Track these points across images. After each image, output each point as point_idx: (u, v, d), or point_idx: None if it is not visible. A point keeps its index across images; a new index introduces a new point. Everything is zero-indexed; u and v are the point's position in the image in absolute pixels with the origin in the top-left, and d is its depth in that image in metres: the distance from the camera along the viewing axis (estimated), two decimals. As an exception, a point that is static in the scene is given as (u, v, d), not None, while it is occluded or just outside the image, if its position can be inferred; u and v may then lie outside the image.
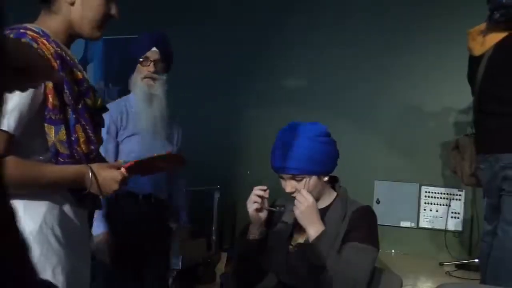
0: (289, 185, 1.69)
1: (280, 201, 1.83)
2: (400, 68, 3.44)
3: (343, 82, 3.54)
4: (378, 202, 3.40)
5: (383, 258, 3.05)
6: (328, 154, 1.71)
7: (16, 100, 1.24)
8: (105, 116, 2.43)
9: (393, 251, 3.37)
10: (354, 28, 3.54)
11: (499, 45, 2.18)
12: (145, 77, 2.40)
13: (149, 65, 2.40)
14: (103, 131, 2.40)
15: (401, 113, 3.44)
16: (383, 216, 3.39)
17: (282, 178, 1.71)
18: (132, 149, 2.35)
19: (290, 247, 1.74)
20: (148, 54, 2.40)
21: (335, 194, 1.74)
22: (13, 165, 1.22)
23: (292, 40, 3.66)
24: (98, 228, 2.24)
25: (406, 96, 3.44)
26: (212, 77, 3.76)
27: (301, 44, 3.64)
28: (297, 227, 1.74)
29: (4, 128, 1.23)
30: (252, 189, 1.73)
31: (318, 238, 1.63)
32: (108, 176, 1.39)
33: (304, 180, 1.68)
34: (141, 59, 2.39)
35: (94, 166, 1.38)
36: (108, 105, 2.48)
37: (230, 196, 3.52)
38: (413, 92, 3.43)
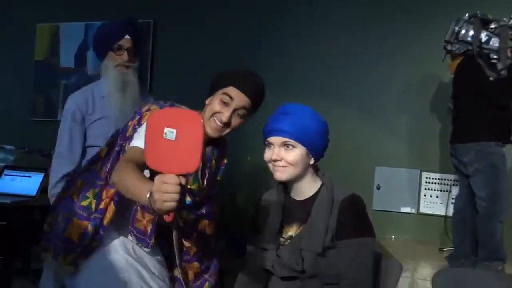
0: (276, 153, 1.67)
1: (267, 196, 1.82)
2: (400, 53, 3.42)
3: (342, 67, 3.52)
4: (378, 187, 3.40)
5: (383, 244, 3.05)
6: (322, 136, 1.70)
7: None
8: (70, 102, 2.48)
9: (393, 236, 3.38)
10: (352, 14, 3.51)
11: (457, 68, 2.91)
12: (118, 65, 2.40)
13: (122, 54, 2.39)
14: (68, 118, 2.45)
15: (402, 99, 3.42)
16: (383, 202, 3.39)
17: (270, 145, 1.69)
18: (100, 133, 2.35)
19: (282, 239, 1.73)
20: (122, 42, 2.39)
21: (320, 182, 1.73)
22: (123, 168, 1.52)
23: (290, 28, 3.64)
24: None
25: (407, 82, 3.42)
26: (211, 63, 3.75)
27: (299, 31, 3.62)
28: (287, 219, 1.73)
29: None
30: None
31: (309, 229, 1.63)
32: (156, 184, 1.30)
33: (294, 150, 1.66)
34: (114, 46, 2.39)
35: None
36: (73, 94, 2.52)
37: (229, 181, 3.52)
38: (414, 77, 3.41)
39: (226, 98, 1.71)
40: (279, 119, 1.67)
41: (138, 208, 1.68)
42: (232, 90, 1.71)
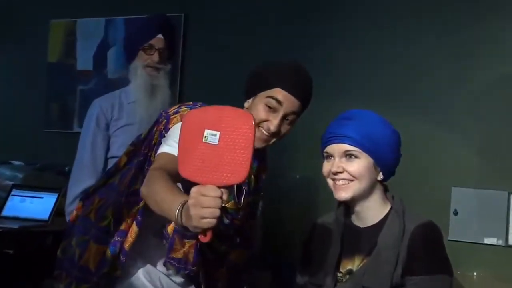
0: (336, 164, 1.65)
1: (324, 220, 1.82)
2: (479, 53, 3.35)
3: (409, 70, 3.48)
4: (456, 213, 3.33)
5: (462, 282, 2.98)
6: (393, 147, 1.68)
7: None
8: (94, 106, 2.56)
9: (475, 273, 3.30)
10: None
11: None
12: (147, 66, 2.45)
13: (153, 54, 2.45)
14: (91, 123, 2.53)
15: (483, 106, 3.36)
16: (462, 231, 3.32)
17: (330, 157, 1.68)
18: (124, 141, 2.40)
19: (339, 274, 1.72)
20: (153, 41, 2.45)
21: (388, 206, 1.71)
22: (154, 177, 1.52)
23: (348, 31, 3.63)
24: None
25: (491, 85, 3.35)
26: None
27: (356, 29, 3.61)
28: (347, 250, 1.72)
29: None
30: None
31: (374, 262, 1.61)
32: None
33: (357, 161, 1.64)
34: (144, 46, 2.44)
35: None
36: (99, 98, 2.61)
37: (275, 204, 3.52)
38: (500, 80, 3.34)
39: (273, 103, 1.71)
40: (340, 125, 1.67)
41: (176, 236, 1.70)
42: (279, 93, 1.71)
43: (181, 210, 1.32)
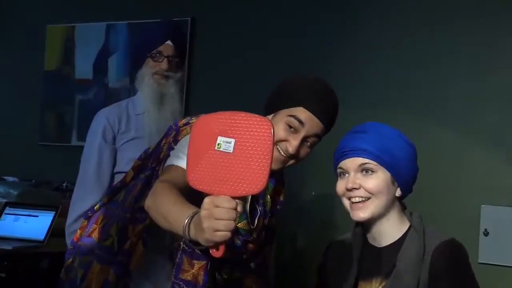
0: (352, 180, 1.65)
1: (339, 241, 1.82)
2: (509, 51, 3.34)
3: (437, 80, 3.48)
4: (486, 233, 3.32)
5: (494, 309, 2.97)
6: (411, 161, 1.69)
7: None
8: (100, 117, 2.59)
9: (508, 299, 3.28)
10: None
11: None
12: (156, 74, 2.48)
13: (161, 61, 2.48)
14: (97, 136, 2.55)
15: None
16: (493, 253, 3.30)
17: (344, 173, 1.69)
18: (133, 156, 2.41)
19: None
20: (161, 48, 2.48)
21: (407, 224, 1.71)
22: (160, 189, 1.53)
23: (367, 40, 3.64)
24: None
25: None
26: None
27: (376, 35, 3.62)
28: (364, 272, 1.71)
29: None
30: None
31: (394, 286, 1.60)
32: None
33: (375, 175, 1.64)
34: (152, 53, 2.48)
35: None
36: (104, 109, 2.63)
37: (290, 223, 3.52)
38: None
39: (294, 123, 1.71)
40: (354, 138, 1.68)
41: (184, 256, 1.71)
42: (302, 113, 1.70)
43: (190, 222, 1.33)
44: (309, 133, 1.71)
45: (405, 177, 1.68)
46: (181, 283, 1.74)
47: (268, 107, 1.79)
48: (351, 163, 1.67)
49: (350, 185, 1.65)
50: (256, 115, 1.34)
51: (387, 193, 1.65)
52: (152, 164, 1.81)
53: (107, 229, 1.81)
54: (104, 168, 2.58)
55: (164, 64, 2.51)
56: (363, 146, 1.64)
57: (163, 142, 1.82)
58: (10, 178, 4.00)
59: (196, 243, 1.33)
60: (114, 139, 2.60)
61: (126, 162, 2.50)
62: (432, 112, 3.44)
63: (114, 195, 1.91)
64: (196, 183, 1.33)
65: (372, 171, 1.64)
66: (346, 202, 1.69)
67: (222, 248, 1.30)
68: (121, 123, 2.60)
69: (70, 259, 1.89)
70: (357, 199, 1.65)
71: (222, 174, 1.29)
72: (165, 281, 1.84)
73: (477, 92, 3.38)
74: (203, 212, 1.26)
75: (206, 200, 1.28)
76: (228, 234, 1.26)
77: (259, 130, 1.29)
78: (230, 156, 1.29)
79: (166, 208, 1.45)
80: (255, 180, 1.28)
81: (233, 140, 1.30)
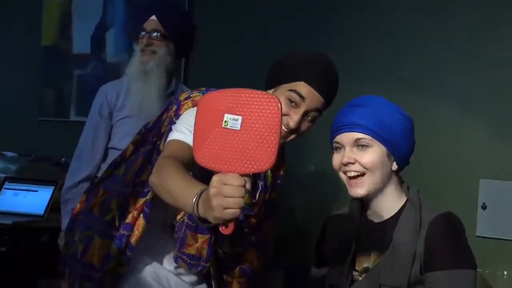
0: (347, 154, 1.66)
1: (336, 216, 1.83)
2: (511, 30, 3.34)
3: (436, 55, 3.47)
4: (484, 207, 3.33)
5: (491, 282, 2.98)
6: (407, 134, 1.69)
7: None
8: (99, 94, 2.62)
9: (505, 272, 3.30)
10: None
11: None
12: (142, 50, 2.49)
13: (143, 38, 2.48)
14: (94, 112, 2.59)
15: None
16: (491, 226, 3.32)
17: (339, 147, 1.70)
18: (127, 132, 2.46)
19: (355, 273, 1.73)
20: (146, 24, 2.47)
21: (404, 198, 1.71)
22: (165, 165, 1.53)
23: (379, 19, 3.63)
24: None
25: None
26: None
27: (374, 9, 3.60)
28: (362, 246, 1.73)
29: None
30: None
31: (391, 259, 1.62)
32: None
33: (370, 150, 1.65)
34: (139, 29, 2.48)
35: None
36: (106, 85, 2.66)
37: (287, 197, 3.53)
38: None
39: (295, 97, 1.71)
40: (350, 112, 1.68)
41: (188, 231, 1.71)
42: (303, 87, 1.71)
43: (198, 200, 1.33)
44: (309, 107, 1.72)
45: (401, 151, 1.68)
46: (184, 256, 1.75)
47: (269, 82, 1.79)
48: (346, 138, 1.67)
49: (345, 160, 1.65)
50: (263, 92, 1.34)
51: (383, 168, 1.65)
52: (153, 138, 1.81)
53: (107, 203, 1.82)
54: (99, 143, 2.64)
55: (145, 40, 2.52)
56: (359, 120, 1.64)
57: (164, 116, 1.82)
58: (9, 153, 4.01)
59: (205, 220, 1.33)
60: (110, 115, 2.63)
61: (120, 138, 2.55)
62: (430, 86, 3.44)
63: (114, 169, 1.91)
64: (204, 161, 1.33)
65: (368, 146, 1.64)
66: (342, 176, 1.70)
67: (231, 226, 1.31)
68: (118, 100, 2.63)
69: (70, 233, 1.90)
70: (352, 174, 1.66)
71: (229, 152, 1.30)
72: (167, 255, 1.85)
73: (475, 67, 3.37)
74: (212, 190, 1.26)
75: (215, 178, 1.28)
76: (237, 212, 1.27)
77: (266, 107, 1.29)
78: (238, 134, 1.29)
79: (172, 185, 1.45)
80: (263, 158, 1.28)
81: (240, 117, 1.30)
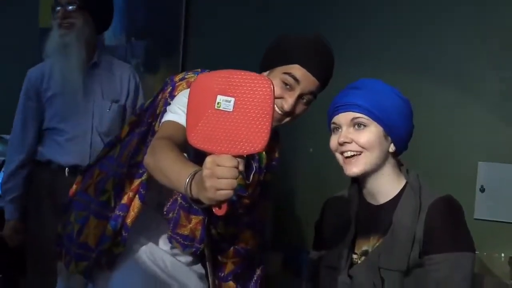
0: (344, 134, 1.67)
1: (336, 199, 1.83)
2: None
3: (435, 36, 3.45)
4: (482, 190, 3.34)
5: (489, 264, 2.99)
6: (404, 116, 1.69)
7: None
8: (25, 80, 2.64)
9: (503, 255, 3.31)
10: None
11: None
12: (60, 25, 2.50)
13: (59, 12, 2.49)
14: (23, 96, 2.61)
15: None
16: (489, 209, 3.32)
17: (337, 128, 1.70)
18: (57, 110, 2.48)
19: (354, 255, 1.73)
20: None
21: (403, 181, 1.72)
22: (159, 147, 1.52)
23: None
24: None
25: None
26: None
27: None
28: (361, 230, 1.73)
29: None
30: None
31: (390, 242, 1.62)
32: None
33: (367, 129, 1.65)
34: (54, 7, 2.49)
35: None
36: (31, 68, 2.68)
37: (285, 179, 3.53)
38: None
39: (290, 80, 1.71)
40: (347, 94, 1.69)
41: (181, 212, 1.72)
42: (298, 70, 1.71)
43: (191, 181, 1.34)
44: (304, 90, 1.72)
45: (398, 132, 1.68)
46: (178, 237, 1.76)
47: (264, 65, 1.79)
48: (343, 118, 1.68)
49: (342, 139, 1.66)
50: (256, 74, 1.34)
51: (379, 148, 1.66)
52: (148, 119, 1.81)
53: (103, 184, 1.82)
54: (28, 126, 2.67)
55: (60, 14, 2.54)
56: (355, 100, 1.65)
57: (159, 97, 1.82)
58: (7, 136, 3.99)
59: (198, 201, 1.34)
60: (38, 96, 2.65)
61: (50, 118, 2.57)
62: (428, 68, 3.43)
63: (109, 150, 1.91)
64: (197, 142, 1.33)
65: (364, 125, 1.64)
66: (339, 157, 1.70)
67: (224, 207, 1.32)
68: (43, 81, 2.64)
69: (66, 214, 1.90)
70: (349, 153, 1.66)
71: (222, 133, 1.30)
72: (162, 236, 1.85)
73: (474, 49, 3.36)
74: (205, 172, 1.27)
75: (208, 159, 1.28)
76: (230, 193, 1.27)
77: (259, 88, 1.29)
78: (230, 115, 1.30)
79: (166, 166, 1.46)
80: (256, 139, 1.29)
81: (232, 99, 1.30)
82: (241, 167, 1.29)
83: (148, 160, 1.55)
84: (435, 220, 1.59)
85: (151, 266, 1.78)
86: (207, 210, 1.50)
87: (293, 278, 2.32)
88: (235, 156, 1.28)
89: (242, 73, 1.33)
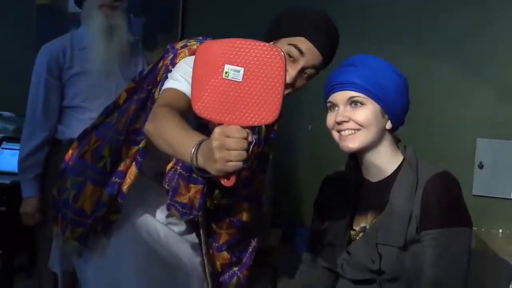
0: (341, 113, 1.67)
1: (335, 176, 1.84)
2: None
3: (433, 11, 3.43)
4: (481, 166, 3.34)
5: (487, 240, 3.00)
6: (401, 92, 1.69)
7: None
8: (44, 53, 2.60)
9: (500, 230, 3.32)
10: None
11: None
12: (103, 5, 2.46)
13: None
14: (43, 72, 2.58)
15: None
16: (488, 185, 3.33)
17: (333, 106, 1.70)
18: (78, 91, 2.45)
19: (352, 232, 1.74)
20: None
21: (401, 157, 1.72)
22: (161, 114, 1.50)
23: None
24: None
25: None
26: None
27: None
28: (360, 206, 1.73)
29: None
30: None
31: (387, 218, 1.63)
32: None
33: (364, 108, 1.65)
34: None
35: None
36: (47, 44, 2.64)
37: (284, 156, 3.53)
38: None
39: (294, 52, 1.70)
40: (343, 72, 1.68)
41: (181, 181, 1.72)
42: (303, 43, 1.70)
43: (197, 151, 1.33)
44: (307, 64, 1.71)
45: (395, 109, 1.68)
46: (176, 205, 1.76)
47: (268, 35, 1.78)
48: (340, 97, 1.67)
49: (339, 118, 1.65)
50: (266, 43, 1.32)
51: (377, 125, 1.66)
52: (147, 86, 1.80)
53: (99, 150, 1.81)
54: (52, 103, 2.62)
55: None
56: (352, 79, 1.64)
57: (160, 64, 1.80)
58: (7, 113, 3.99)
59: (203, 171, 1.33)
60: (60, 74, 2.61)
61: (73, 96, 2.54)
62: (426, 43, 3.41)
63: (106, 117, 1.90)
64: (203, 112, 1.31)
65: (361, 104, 1.64)
66: (335, 135, 1.70)
67: (233, 178, 1.31)
68: (65, 58, 2.61)
69: (62, 179, 1.89)
70: (346, 132, 1.66)
71: (231, 103, 1.28)
72: (158, 205, 1.86)
73: (473, 23, 3.35)
74: (215, 143, 1.26)
75: (217, 130, 1.27)
76: (240, 164, 1.26)
77: (270, 59, 1.27)
78: (239, 85, 1.28)
79: (169, 134, 1.44)
80: (268, 110, 1.27)
81: (242, 69, 1.28)
82: (250, 138, 1.28)
83: (150, 127, 1.54)
84: (432, 196, 1.59)
85: (144, 236, 1.79)
86: (208, 180, 1.49)
87: (293, 255, 2.33)
88: (244, 127, 1.27)
89: (251, 42, 1.31)
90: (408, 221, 1.60)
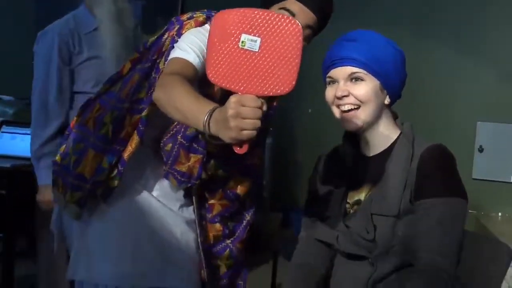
0: (341, 88, 1.67)
1: (330, 152, 1.84)
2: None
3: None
4: (481, 150, 3.34)
5: (487, 222, 3.01)
6: (399, 67, 1.69)
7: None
8: (52, 35, 2.56)
9: (499, 214, 3.33)
10: None
11: None
12: None
13: None
14: (54, 55, 2.53)
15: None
16: (487, 169, 3.34)
17: (333, 82, 1.70)
18: (89, 77, 2.43)
19: (347, 205, 1.74)
20: None
21: (398, 132, 1.73)
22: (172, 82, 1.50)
23: None
24: None
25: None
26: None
27: None
28: (354, 181, 1.74)
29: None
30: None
31: (382, 189, 1.63)
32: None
33: (364, 83, 1.66)
34: None
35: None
36: (51, 26, 2.60)
37: (285, 140, 3.53)
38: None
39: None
40: (343, 47, 1.68)
41: (181, 150, 1.73)
42: (293, 4, 1.71)
43: (209, 118, 1.34)
44: (301, 24, 1.72)
45: (394, 85, 1.68)
46: (175, 173, 1.78)
47: (261, 4, 1.78)
48: (340, 72, 1.67)
49: (339, 93, 1.65)
50: (282, 14, 1.34)
51: (376, 101, 1.66)
52: (152, 56, 1.80)
53: (101, 118, 1.82)
54: (65, 91, 2.58)
55: None
56: (352, 55, 1.65)
57: (165, 36, 1.80)
58: (6, 97, 3.99)
59: (216, 138, 1.34)
60: (70, 59, 2.58)
61: (83, 82, 2.52)
62: (427, 26, 3.41)
63: (110, 86, 1.90)
64: (218, 80, 1.33)
65: (361, 79, 1.64)
66: (336, 111, 1.69)
67: (246, 146, 1.33)
68: (74, 43, 2.57)
69: (64, 145, 1.91)
70: (346, 107, 1.66)
71: (247, 73, 1.30)
72: (155, 180, 1.87)
73: (474, 5, 3.34)
74: (230, 112, 1.27)
75: (232, 99, 1.28)
76: (254, 133, 1.28)
77: (288, 30, 1.29)
78: (256, 55, 1.29)
79: (180, 101, 1.44)
80: (284, 81, 1.29)
81: (258, 39, 1.29)
82: (264, 108, 1.29)
83: (159, 94, 1.53)
84: (427, 167, 1.59)
85: (139, 212, 1.81)
86: (228, 146, 1.50)
87: (293, 239, 2.32)
88: (259, 97, 1.29)
89: (270, 13, 1.31)
90: (403, 191, 1.61)
